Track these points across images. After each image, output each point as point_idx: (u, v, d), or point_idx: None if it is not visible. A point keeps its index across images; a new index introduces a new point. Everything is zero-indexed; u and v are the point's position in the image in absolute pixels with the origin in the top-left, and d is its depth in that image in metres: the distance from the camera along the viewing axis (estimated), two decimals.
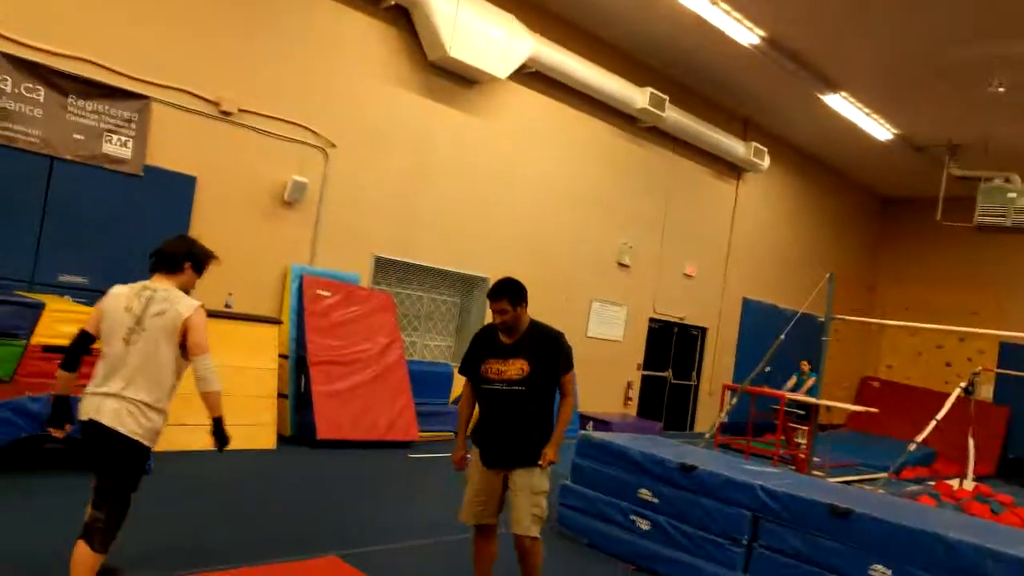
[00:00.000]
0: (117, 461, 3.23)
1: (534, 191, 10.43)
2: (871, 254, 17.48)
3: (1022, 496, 11.69)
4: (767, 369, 8.50)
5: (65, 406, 3.38)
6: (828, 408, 11.44)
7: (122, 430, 3.17)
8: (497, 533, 3.91)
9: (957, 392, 11.38)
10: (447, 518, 5.71)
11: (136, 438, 3.20)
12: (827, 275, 8.79)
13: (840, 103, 11.61)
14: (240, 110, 7.52)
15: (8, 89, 6.21)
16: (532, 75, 9.93)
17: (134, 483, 3.30)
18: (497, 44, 9.03)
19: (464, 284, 10.13)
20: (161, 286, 3.38)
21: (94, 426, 3.18)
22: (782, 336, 8.49)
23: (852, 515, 4.12)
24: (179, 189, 7.17)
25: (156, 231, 6.96)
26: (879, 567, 3.97)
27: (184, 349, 3.32)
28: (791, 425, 9.87)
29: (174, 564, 3.95)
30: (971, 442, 11.80)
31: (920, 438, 10.90)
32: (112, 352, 3.26)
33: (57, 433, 3.40)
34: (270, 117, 7.78)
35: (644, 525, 5.06)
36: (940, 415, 11.20)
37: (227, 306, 7.39)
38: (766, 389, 9.52)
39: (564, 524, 5.53)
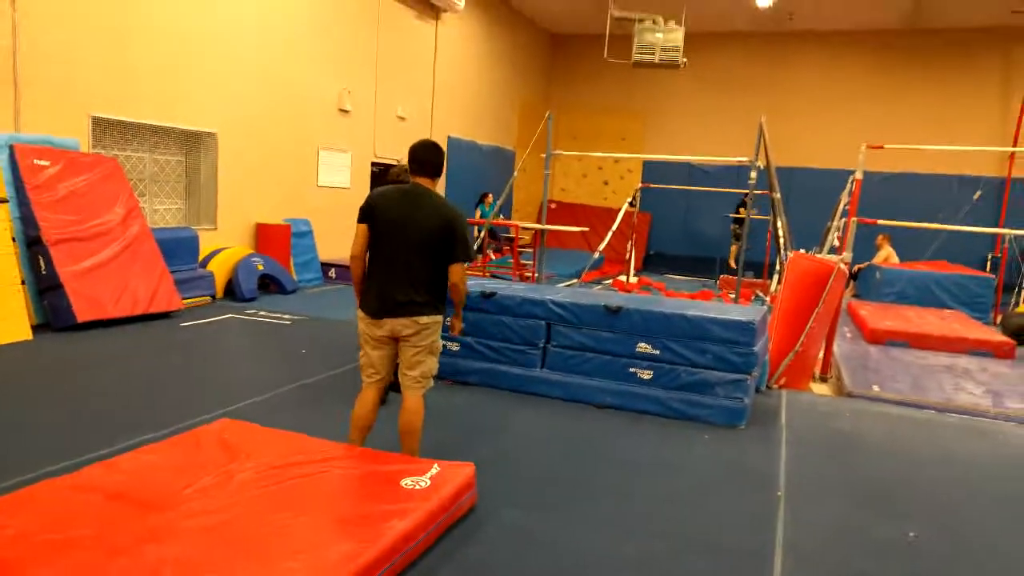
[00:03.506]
0: None
1: (255, 38, 9.87)
2: (546, 88, 19.50)
3: (667, 282, 15.16)
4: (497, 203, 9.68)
5: None
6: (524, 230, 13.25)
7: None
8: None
9: (626, 206, 14.04)
10: (270, 374, 6.10)
11: None
12: (546, 115, 10.01)
13: None
14: None
15: None
16: None
17: None
18: None
19: (190, 141, 9.49)
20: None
21: None
22: (515, 174, 9.65)
23: (623, 310, 5.50)
24: None
25: None
26: (643, 344, 5.45)
27: None
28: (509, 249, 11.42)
29: (63, 454, 3.88)
30: (632, 245, 14.77)
31: (602, 247, 13.39)
32: None
33: None
34: None
35: (454, 347, 6.01)
36: (615, 226, 13.80)
37: None
38: (497, 221, 10.85)
39: None
